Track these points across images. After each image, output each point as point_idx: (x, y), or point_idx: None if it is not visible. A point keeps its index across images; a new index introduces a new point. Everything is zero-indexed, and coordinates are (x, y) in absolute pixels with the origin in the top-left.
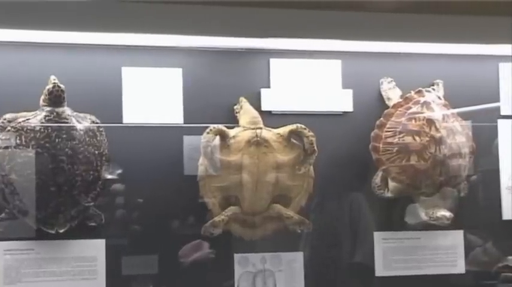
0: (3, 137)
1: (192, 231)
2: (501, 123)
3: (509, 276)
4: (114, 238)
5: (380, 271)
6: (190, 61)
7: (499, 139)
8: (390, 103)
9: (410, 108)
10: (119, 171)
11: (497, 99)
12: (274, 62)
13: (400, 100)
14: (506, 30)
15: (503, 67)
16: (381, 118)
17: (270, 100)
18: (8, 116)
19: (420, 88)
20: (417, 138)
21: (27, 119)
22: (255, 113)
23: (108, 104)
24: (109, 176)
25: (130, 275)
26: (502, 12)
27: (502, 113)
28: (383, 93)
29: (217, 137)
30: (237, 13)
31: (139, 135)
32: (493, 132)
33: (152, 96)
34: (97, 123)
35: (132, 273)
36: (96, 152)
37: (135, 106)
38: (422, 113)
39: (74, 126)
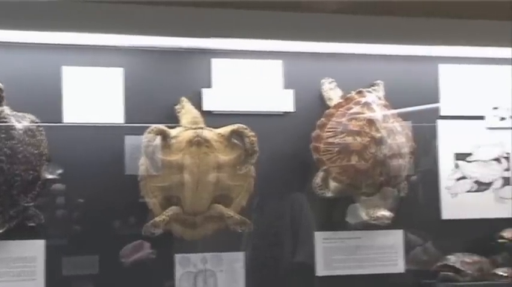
0: None
1: (133, 231)
2: (440, 124)
3: (448, 275)
4: (54, 238)
5: (321, 270)
6: (131, 61)
7: (438, 139)
8: (331, 103)
9: (351, 108)
10: (59, 171)
11: (437, 100)
12: (215, 62)
13: (341, 100)
14: (445, 32)
15: (443, 68)
16: (322, 118)
17: (211, 100)
18: None
19: (361, 89)
20: (358, 138)
21: None
22: (196, 113)
23: (48, 103)
24: (49, 176)
25: (71, 276)
26: (441, 14)
27: (441, 113)
28: (324, 94)
29: (159, 137)
30: (178, 13)
31: (80, 135)
32: (433, 133)
33: (93, 96)
34: (36, 122)
35: (72, 274)
36: (36, 151)
37: (75, 105)
38: (363, 113)
39: (13, 125)
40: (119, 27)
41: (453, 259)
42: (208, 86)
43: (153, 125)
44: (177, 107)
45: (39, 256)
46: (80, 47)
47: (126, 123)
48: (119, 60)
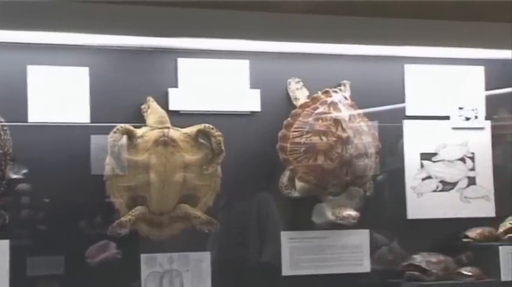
0: None
1: (99, 231)
2: (406, 124)
3: (413, 274)
4: (18, 239)
5: (287, 270)
6: (97, 60)
7: (404, 139)
8: (298, 103)
9: (317, 108)
10: (24, 170)
11: (403, 100)
12: (181, 62)
13: (308, 100)
14: (411, 32)
15: (409, 68)
16: (289, 118)
17: (178, 100)
18: None
19: (327, 88)
20: (324, 138)
21: None
22: (163, 113)
23: (13, 102)
24: (14, 176)
25: (36, 276)
26: (407, 15)
27: (407, 113)
28: (290, 94)
29: (125, 137)
30: (144, 12)
31: (45, 134)
32: (399, 133)
33: (58, 95)
34: (1, 122)
35: (37, 274)
36: (0, 151)
37: (40, 105)
38: (329, 113)
39: None
40: (84, 26)
41: (419, 259)
42: (175, 85)
43: (119, 125)
44: (143, 106)
45: (4, 256)
46: (46, 46)
47: (92, 122)
48: (84, 60)
